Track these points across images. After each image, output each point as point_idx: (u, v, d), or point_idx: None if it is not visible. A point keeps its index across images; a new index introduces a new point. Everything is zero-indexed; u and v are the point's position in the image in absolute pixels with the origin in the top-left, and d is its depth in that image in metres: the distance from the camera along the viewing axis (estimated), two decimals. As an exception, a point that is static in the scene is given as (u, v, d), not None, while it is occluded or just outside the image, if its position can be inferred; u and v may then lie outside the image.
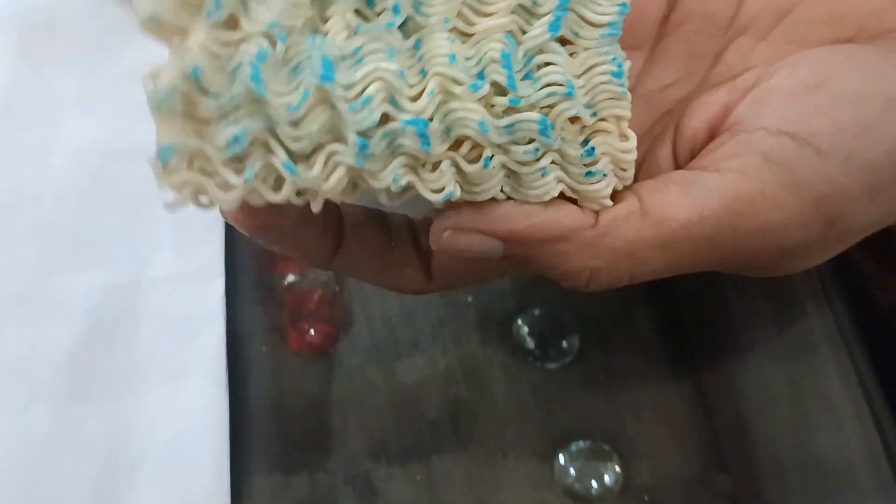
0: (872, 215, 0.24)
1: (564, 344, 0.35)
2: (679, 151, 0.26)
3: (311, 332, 0.35)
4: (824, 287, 0.32)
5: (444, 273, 0.26)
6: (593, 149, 0.24)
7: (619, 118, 0.24)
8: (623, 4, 0.23)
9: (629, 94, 0.24)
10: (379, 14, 0.22)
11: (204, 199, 0.22)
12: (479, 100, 0.22)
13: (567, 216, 0.23)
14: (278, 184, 0.21)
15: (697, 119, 0.25)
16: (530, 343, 0.35)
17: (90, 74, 0.37)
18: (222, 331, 0.33)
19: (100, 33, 0.38)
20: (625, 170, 0.24)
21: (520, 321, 0.35)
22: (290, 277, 0.36)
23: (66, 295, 0.33)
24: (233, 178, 0.21)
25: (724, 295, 0.34)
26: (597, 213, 0.23)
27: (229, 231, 0.35)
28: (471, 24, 0.23)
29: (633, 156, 0.24)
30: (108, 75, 0.37)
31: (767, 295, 0.32)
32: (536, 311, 0.35)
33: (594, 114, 0.24)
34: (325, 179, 0.21)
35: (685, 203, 0.23)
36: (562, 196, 0.24)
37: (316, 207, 0.22)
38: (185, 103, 0.21)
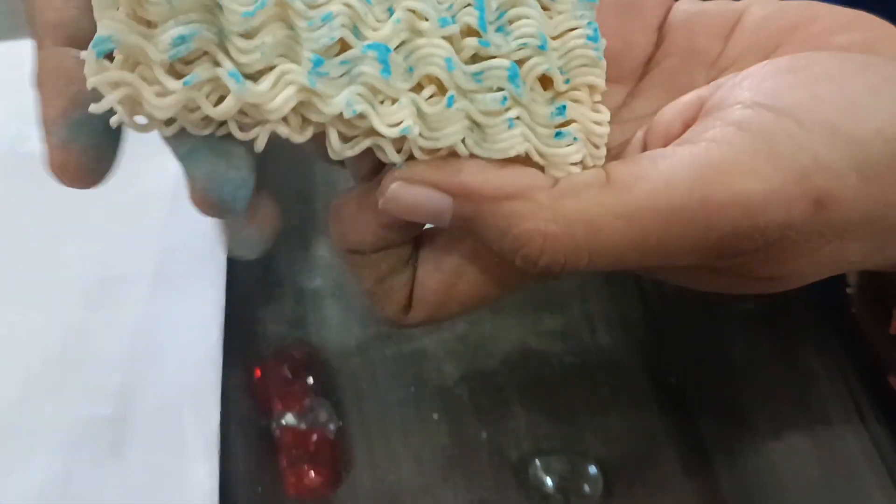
0: (867, 202, 0.22)
1: (587, 488, 0.32)
2: (651, 147, 0.24)
3: (310, 474, 0.32)
4: (861, 412, 0.30)
5: (423, 294, 0.24)
6: (564, 107, 0.22)
7: (592, 87, 0.23)
8: None
9: (604, 61, 0.23)
10: None
11: (139, 118, 0.20)
12: (447, 37, 0.21)
13: (524, 176, 0.21)
14: (221, 100, 0.20)
15: (670, 113, 0.24)
16: (549, 487, 0.32)
17: (93, 200, 0.36)
18: (215, 470, 0.30)
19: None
20: (597, 146, 0.23)
21: (538, 462, 0.32)
22: (288, 417, 0.34)
23: (45, 427, 0.30)
24: (171, 83, 0.19)
25: (755, 429, 0.32)
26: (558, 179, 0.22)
27: (227, 364, 0.33)
28: None
29: (606, 129, 0.23)
30: (110, 201, 0.36)
31: (803, 427, 0.31)
32: (555, 452, 0.33)
33: (567, 80, 0.23)
34: (273, 98, 0.20)
35: (653, 172, 0.21)
36: (528, 162, 0.22)
37: (260, 142, 0.20)
38: (134, 0, 0.19)
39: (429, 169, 0.22)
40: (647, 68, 0.27)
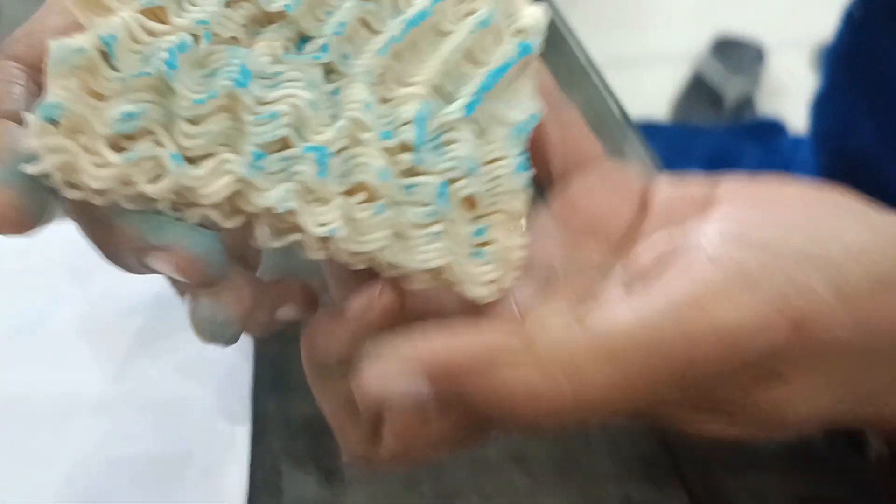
0: (848, 326, 0.21)
1: None
2: (626, 284, 0.24)
3: None
4: None
5: (395, 426, 0.23)
6: (484, 228, 0.23)
7: (514, 215, 0.24)
8: (534, 115, 0.25)
9: (529, 192, 0.24)
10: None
11: (74, 191, 0.20)
12: (385, 150, 0.22)
13: (491, 334, 0.21)
14: (156, 178, 0.20)
15: (644, 252, 0.24)
16: None
17: (111, 376, 0.35)
18: None
19: (130, 336, 0.36)
20: (512, 269, 0.24)
21: None
22: None
23: None
24: (111, 156, 0.20)
25: None
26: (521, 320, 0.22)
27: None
28: (391, 90, 0.23)
29: (522, 254, 0.24)
30: (129, 378, 0.35)
31: None
32: None
33: (492, 204, 0.24)
34: (208, 184, 0.20)
35: (627, 309, 0.21)
36: (440, 278, 0.23)
37: (192, 219, 0.21)
38: (88, 72, 0.20)
39: (395, 348, 0.21)
40: (630, 236, 0.27)
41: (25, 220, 0.21)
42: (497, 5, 0.25)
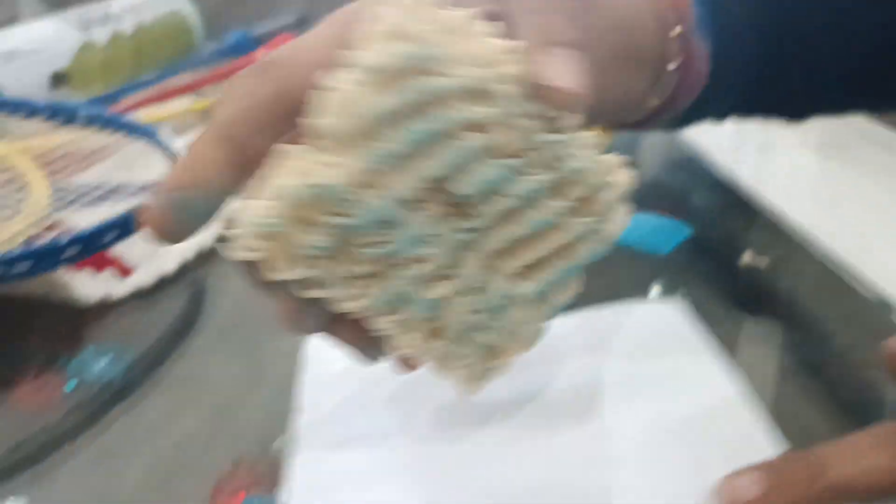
0: None
1: None
2: None
3: None
4: None
5: None
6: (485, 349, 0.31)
7: (507, 354, 0.31)
8: (566, 303, 0.31)
9: (530, 348, 0.32)
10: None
11: (270, 273, 0.27)
12: (471, 311, 0.29)
13: None
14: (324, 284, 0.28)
15: None
16: None
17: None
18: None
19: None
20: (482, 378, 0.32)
21: None
22: None
23: None
24: (297, 272, 0.27)
25: None
26: None
27: None
28: (502, 260, 0.29)
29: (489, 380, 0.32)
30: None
31: None
32: None
33: (504, 343, 0.31)
34: (349, 302, 0.28)
35: None
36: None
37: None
38: (305, 205, 0.25)
39: None
40: None
41: (171, 239, 0.27)
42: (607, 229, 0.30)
